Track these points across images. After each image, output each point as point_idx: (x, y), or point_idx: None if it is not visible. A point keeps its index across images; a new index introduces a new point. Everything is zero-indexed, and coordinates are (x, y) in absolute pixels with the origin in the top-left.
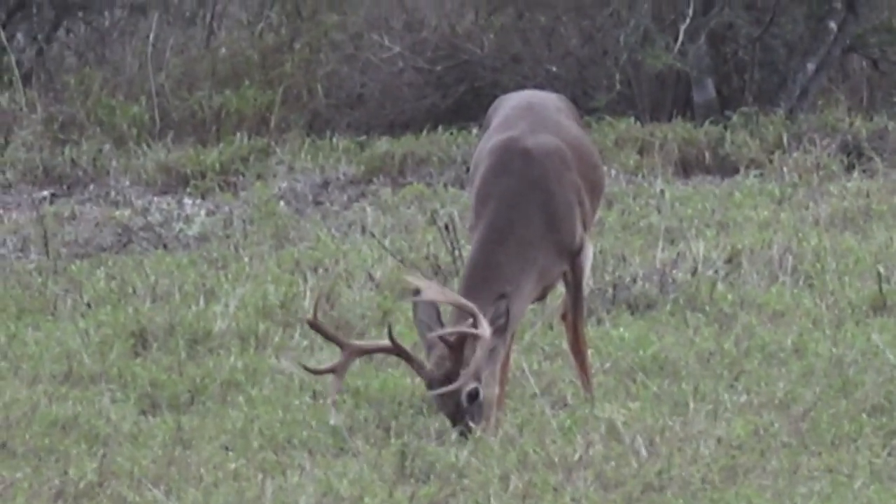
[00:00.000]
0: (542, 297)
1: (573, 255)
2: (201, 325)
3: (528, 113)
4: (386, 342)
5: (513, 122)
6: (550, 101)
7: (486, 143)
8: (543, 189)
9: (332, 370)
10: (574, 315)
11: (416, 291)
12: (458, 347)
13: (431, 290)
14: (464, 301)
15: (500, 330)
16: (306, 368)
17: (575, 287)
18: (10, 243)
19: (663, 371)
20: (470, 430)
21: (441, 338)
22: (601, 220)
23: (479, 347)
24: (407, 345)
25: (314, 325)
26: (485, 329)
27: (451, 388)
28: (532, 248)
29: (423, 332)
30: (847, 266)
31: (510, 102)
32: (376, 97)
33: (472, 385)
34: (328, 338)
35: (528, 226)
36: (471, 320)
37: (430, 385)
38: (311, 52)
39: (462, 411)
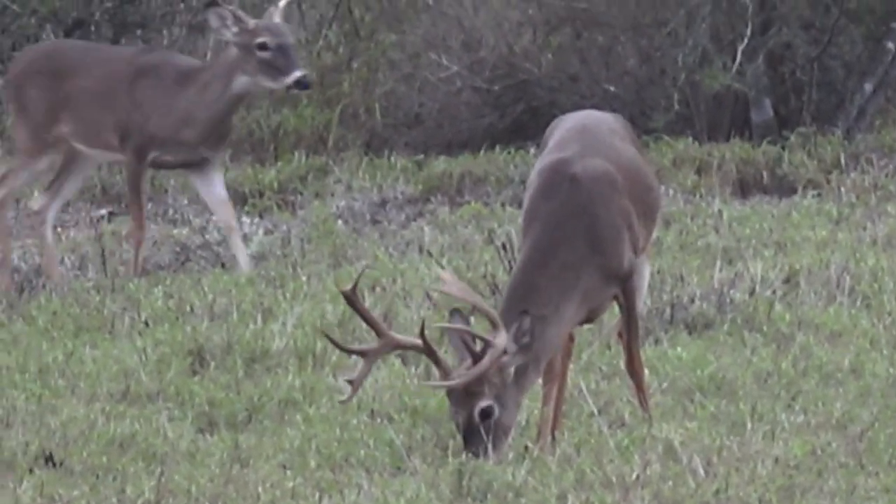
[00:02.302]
0: (590, 321)
1: (622, 280)
2: (259, 343)
3: (581, 135)
4: (419, 340)
5: (565, 144)
6: (606, 122)
7: (538, 164)
8: (589, 213)
9: (362, 352)
10: (628, 336)
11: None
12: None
13: (453, 285)
14: (486, 307)
15: (525, 349)
16: (331, 341)
17: (627, 310)
18: (68, 261)
19: (721, 391)
20: (483, 453)
21: (467, 347)
22: (659, 239)
23: (489, 354)
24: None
25: (351, 300)
26: (501, 338)
27: (449, 383)
28: (574, 272)
29: (456, 344)
30: None
31: (566, 124)
32: (434, 116)
33: (486, 402)
34: (366, 320)
35: (571, 249)
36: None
37: (449, 393)
38: (369, 71)
39: (474, 428)
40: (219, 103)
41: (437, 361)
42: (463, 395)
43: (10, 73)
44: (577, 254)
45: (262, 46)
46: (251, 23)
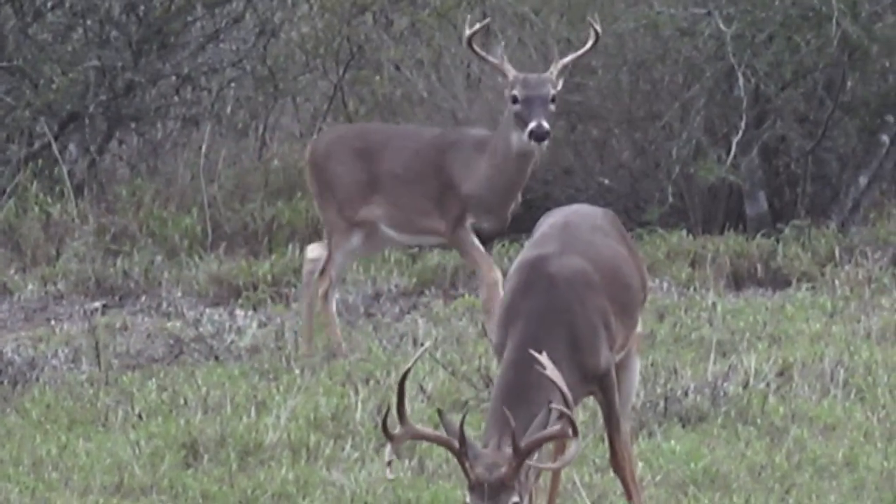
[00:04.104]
0: None
1: (600, 378)
2: (252, 436)
3: (562, 232)
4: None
5: (545, 241)
6: (590, 218)
7: (519, 258)
8: (567, 311)
9: (390, 437)
10: (610, 431)
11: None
12: (525, 454)
13: (554, 372)
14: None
15: None
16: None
17: (607, 405)
18: (61, 354)
19: (714, 484)
20: None
21: (513, 441)
22: (653, 332)
23: (574, 448)
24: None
25: (401, 385)
26: (579, 443)
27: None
28: (559, 369)
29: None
30: None
31: (550, 219)
32: None
33: (516, 498)
34: (398, 405)
35: (555, 347)
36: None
37: (473, 488)
38: None
39: None
40: (507, 163)
41: (462, 457)
42: (497, 489)
43: (315, 153)
44: (559, 352)
45: (514, 99)
46: (510, 75)
